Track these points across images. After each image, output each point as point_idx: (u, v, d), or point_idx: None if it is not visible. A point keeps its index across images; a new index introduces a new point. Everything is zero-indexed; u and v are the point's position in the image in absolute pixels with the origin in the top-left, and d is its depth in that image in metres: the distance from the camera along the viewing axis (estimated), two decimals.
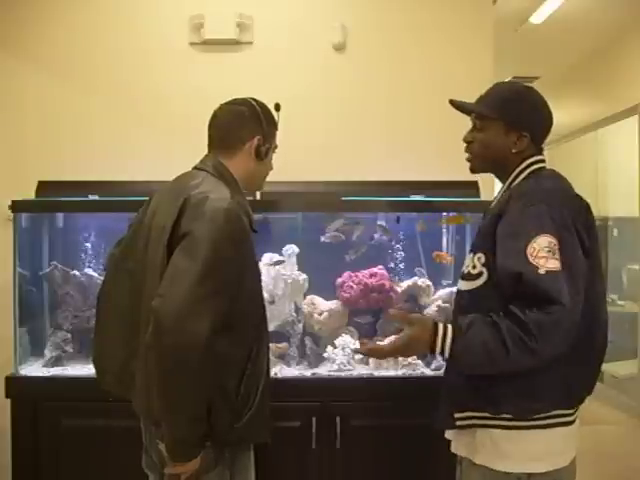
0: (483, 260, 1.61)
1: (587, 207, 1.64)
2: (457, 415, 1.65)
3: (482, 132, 1.73)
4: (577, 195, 1.65)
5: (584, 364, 1.62)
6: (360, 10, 3.08)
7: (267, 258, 2.63)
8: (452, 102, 1.79)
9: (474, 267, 1.63)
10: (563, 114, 6.09)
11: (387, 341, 1.69)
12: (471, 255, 1.67)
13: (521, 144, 1.69)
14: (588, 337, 1.60)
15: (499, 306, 1.52)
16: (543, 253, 1.48)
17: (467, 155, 1.78)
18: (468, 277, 1.66)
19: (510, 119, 1.69)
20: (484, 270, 1.60)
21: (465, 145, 1.78)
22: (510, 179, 1.71)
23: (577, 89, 6.01)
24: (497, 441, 1.60)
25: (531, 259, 1.49)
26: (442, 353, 1.55)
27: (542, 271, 1.47)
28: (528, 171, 1.69)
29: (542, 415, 1.58)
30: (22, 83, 3.04)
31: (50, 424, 2.43)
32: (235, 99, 1.86)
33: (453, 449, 1.75)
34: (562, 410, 1.60)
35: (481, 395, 1.59)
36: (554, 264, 1.47)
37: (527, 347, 1.44)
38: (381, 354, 1.73)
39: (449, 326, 1.55)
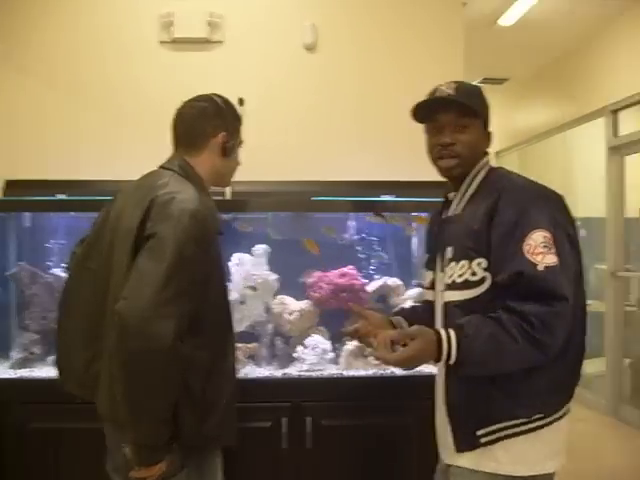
0: (484, 265, 1.54)
1: (565, 203, 1.61)
2: (480, 432, 1.55)
3: (466, 132, 1.63)
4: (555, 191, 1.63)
5: (584, 353, 1.68)
6: (331, 10, 3.09)
7: (236, 258, 2.63)
8: (435, 96, 1.65)
9: (474, 274, 1.55)
10: (532, 115, 6.15)
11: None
12: (465, 262, 1.57)
13: (489, 142, 1.68)
14: (584, 329, 1.66)
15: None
16: (540, 249, 1.46)
17: (450, 160, 1.65)
18: (465, 286, 1.57)
19: (485, 117, 1.67)
20: (487, 275, 1.53)
21: (442, 148, 1.65)
22: (469, 179, 1.66)
23: (546, 91, 6.07)
24: (509, 448, 1.55)
25: (529, 256, 1.46)
26: (449, 359, 1.46)
27: (541, 267, 1.45)
28: (487, 168, 1.66)
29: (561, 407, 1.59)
30: None
31: (17, 426, 2.38)
32: (198, 96, 1.83)
33: (449, 460, 1.65)
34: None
35: (510, 403, 1.54)
36: (551, 259, 1.46)
37: (533, 337, 1.42)
38: (385, 362, 1.59)
39: (451, 330, 1.47)
